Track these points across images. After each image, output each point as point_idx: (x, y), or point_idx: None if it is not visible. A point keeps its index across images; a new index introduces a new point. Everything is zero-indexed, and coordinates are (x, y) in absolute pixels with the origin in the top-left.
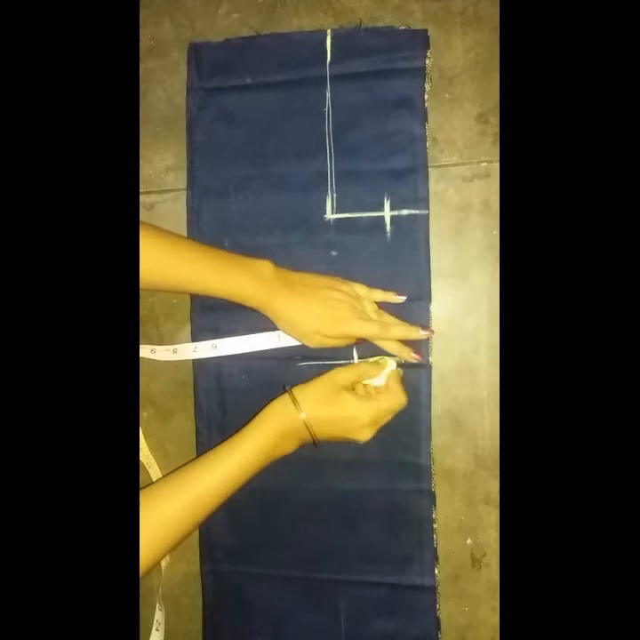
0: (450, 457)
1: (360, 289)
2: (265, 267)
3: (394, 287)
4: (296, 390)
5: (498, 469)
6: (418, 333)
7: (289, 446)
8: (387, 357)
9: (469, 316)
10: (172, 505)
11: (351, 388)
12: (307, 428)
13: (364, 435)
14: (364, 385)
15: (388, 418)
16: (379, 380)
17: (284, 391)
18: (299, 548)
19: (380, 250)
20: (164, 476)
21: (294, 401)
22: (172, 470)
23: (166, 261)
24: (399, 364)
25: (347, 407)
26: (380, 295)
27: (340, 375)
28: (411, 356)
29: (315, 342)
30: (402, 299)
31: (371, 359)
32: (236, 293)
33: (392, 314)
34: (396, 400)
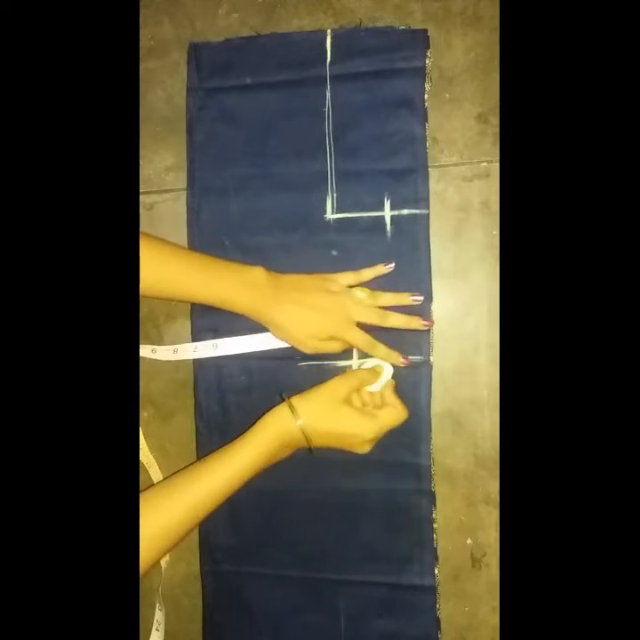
0: (450, 457)
1: (347, 278)
2: (257, 274)
3: (394, 287)
4: (295, 400)
5: (498, 469)
6: (398, 359)
7: (286, 453)
8: (382, 363)
9: (469, 315)
10: (172, 507)
11: (349, 399)
12: (305, 437)
13: (364, 449)
14: (361, 394)
15: (387, 431)
16: (375, 387)
17: (282, 399)
18: (299, 547)
19: (380, 250)
20: (164, 479)
21: (292, 410)
22: (171, 470)
23: (158, 270)
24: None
25: (348, 424)
26: (369, 273)
27: (340, 388)
28: (399, 361)
29: (309, 349)
30: (390, 267)
31: (367, 363)
32: (228, 303)
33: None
34: (397, 415)
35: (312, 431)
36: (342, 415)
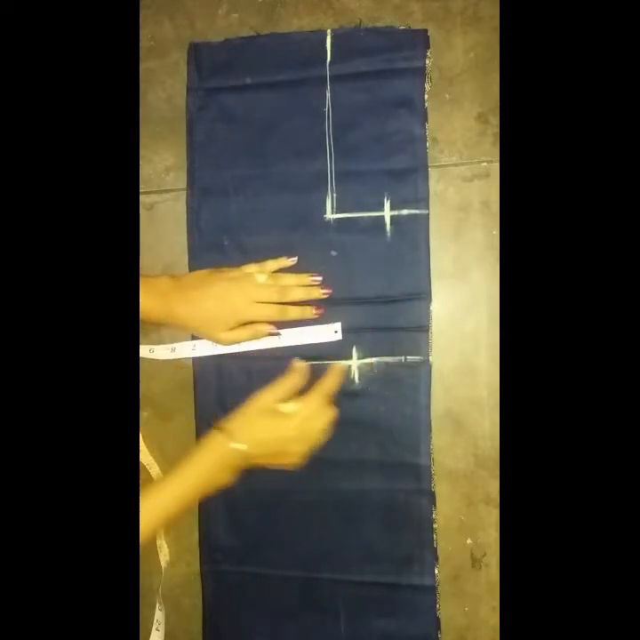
0: (450, 457)
1: (250, 268)
2: (162, 282)
3: (393, 287)
4: (228, 422)
5: (498, 469)
6: (311, 313)
7: (227, 477)
8: (299, 360)
9: (469, 315)
10: None
11: (277, 410)
12: (243, 458)
13: (294, 454)
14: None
15: (316, 429)
16: (288, 406)
17: (213, 425)
18: (299, 547)
19: (380, 250)
20: None
21: (223, 432)
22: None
23: None
24: (400, 364)
25: (274, 428)
26: (273, 265)
27: (263, 397)
28: (312, 314)
29: (223, 340)
30: (293, 260)
31: (340, 363)
32: (146, 314)
33: (395, 319)
34: (314, 406)
35: (249, 451)
36: (271, 426)
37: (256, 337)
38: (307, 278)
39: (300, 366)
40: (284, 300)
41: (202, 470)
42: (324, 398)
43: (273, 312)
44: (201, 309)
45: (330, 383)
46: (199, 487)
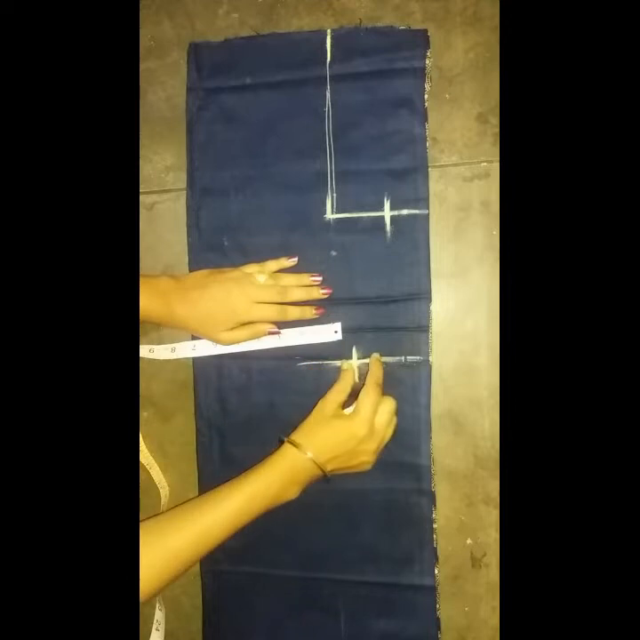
0: (450, 457)
1: (251, 268)
2: (163, 281)
3: (393, 287)
4: (293, 435)
5: (498, 469)
6: (311, 313)
7: (295, 490)
8: (346, 362)
9: (469, 315)
10: (178, 538)
11: (339, 414)
12: (318, 467)
13: (366, 452)
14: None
15: (383, 422)
16: (348, 409)
17: (281, 441)
18: (299, 547)
19: (380, 250)
20: (170, 509)
21: (295, 444)
22: (171, 471)
23: None
24: (401, 364)
25: (341, 431)
26: (273, 265)
27: (326, 407)
28: (312, 314)
29: (223, 340)
30: (293, 260)
31: (339, 363)
32: (146, 314)
33: (395, 319)
34: (373, 399)
35: (322, 460)
36: (333, 426)
37: (256, 337)
38: (307, 278)
39: (349, 366)
40: (284, 301)
41: (272, 482)
42: (379, 389)
43: (273, 312)
44: (201, 309)
45: (377, 374)
46: (268, 500)
